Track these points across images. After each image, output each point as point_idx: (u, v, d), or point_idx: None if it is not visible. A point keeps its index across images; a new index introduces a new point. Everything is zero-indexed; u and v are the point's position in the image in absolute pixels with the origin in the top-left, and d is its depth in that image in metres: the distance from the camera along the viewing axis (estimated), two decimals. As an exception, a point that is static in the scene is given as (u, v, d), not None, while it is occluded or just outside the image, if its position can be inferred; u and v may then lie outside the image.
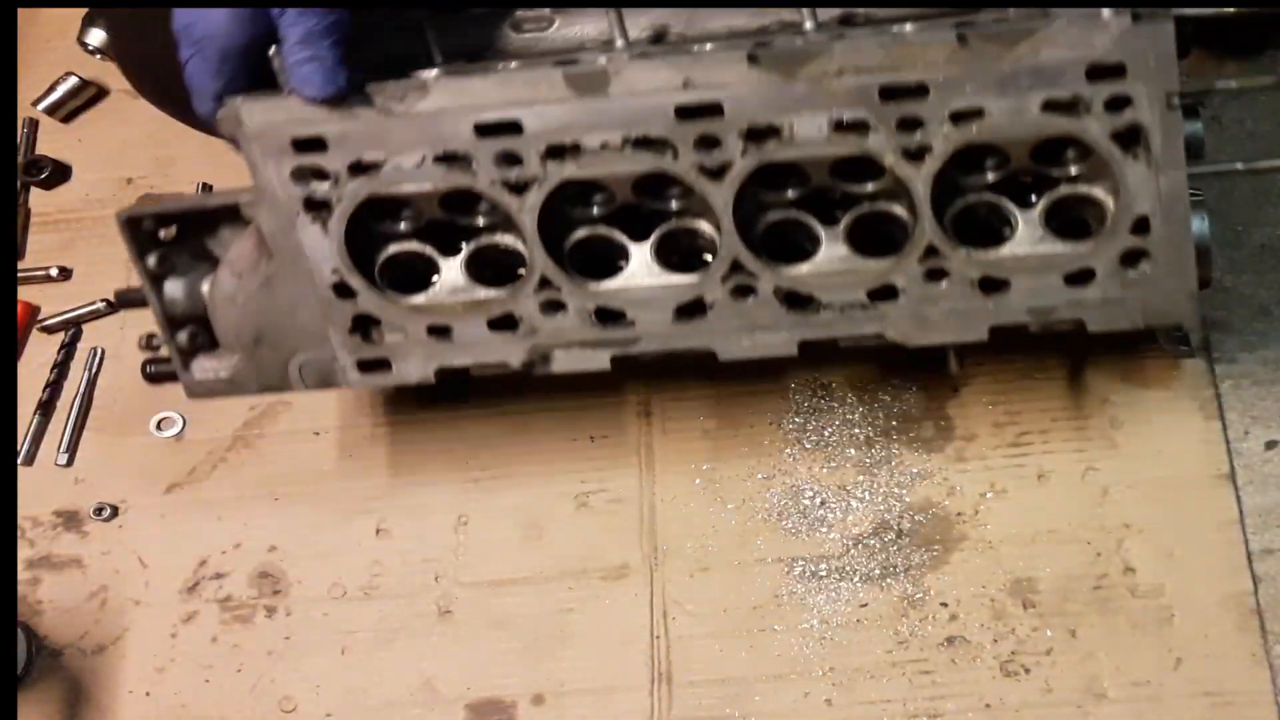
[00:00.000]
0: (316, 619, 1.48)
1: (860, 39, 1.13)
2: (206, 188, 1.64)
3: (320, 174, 1.19)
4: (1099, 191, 1.17)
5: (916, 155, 1.14)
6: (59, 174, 1.72)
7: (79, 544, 1.54)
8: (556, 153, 1.16)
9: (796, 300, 1.20)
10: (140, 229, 1.26)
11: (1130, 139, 1.11)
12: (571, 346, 1.23)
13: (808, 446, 1.48)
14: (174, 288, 1.29)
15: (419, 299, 1.24)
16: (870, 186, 1.19)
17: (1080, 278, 1.17)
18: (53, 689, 1.48)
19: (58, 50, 1.76)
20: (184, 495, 1.55)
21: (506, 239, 1.24)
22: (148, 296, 1.28)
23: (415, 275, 1.26)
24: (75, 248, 1.69)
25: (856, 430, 1.48)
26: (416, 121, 1.17)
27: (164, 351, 1.32)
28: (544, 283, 1.21)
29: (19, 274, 1.66)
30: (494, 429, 1.53)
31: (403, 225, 1.24)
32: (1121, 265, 1.15)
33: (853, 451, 1.47)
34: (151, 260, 1.27)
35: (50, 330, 1.65)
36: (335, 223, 1.20)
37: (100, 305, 1.64)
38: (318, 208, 1.20)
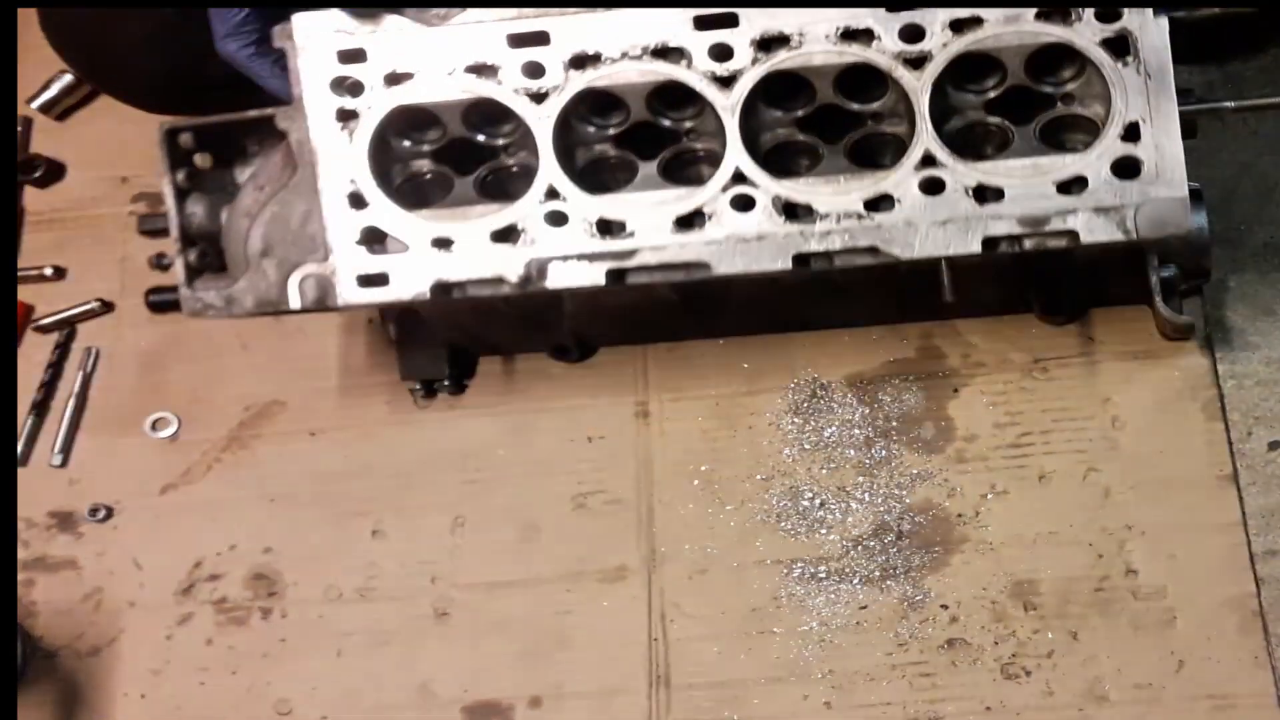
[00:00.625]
0: (312, 621, 1.47)
1: None
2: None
3: (357, 86, 1.26)
4: (1093, 111, 1.22)
5: (917, 63, 1.20)
6: (53, 172, 1.71)
7: (74, 545, 1.53)
8: (579, 62, 1.23)
9: (794, 211, 1.23)
10: (176, 143, 1.31)
11: (1120, 47, 1.19)
12: (569, 260, 1.25)
13: (807, 447, 1.47)
14: (196, 204, 1.32)
15: (428, 211, 1.28)
16: (873, 105, 1.25)
17: (1073, 185, 1.21)
18: (47, 691, 1.47)
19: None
20: (179, 496, 1.54)
21: (522, 156, 1.29)
22: (169, 208, 1.31)
23: (427, 201, 1.30)
24: (70, 247, 1.67)
25: (856, 430, 1.47)
26: (454, 33, 1.25)
27: (170, 279, 1.33)
28: (551, 193, 1.25)
29: (12, 273, 1.65)
30: (491, 429, 1.52)
31: (424, 146, 1.30)
32: (1114, 174, 1.19)
33: (853, 452, 1.47)
34: (180, 175, 1.31)
35: (45, 330, 1.64)
36: (362, 132, 1.26)
37: (95, 305, 1.63)
38: (349, 118, 1.26)
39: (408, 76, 1.26)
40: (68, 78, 1.71)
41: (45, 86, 1.72)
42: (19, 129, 1.73)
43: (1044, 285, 1.43)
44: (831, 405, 1.49)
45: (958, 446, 1.45)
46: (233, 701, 1.45)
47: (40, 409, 1.60)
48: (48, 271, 1.66)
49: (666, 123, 1.28)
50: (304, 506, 1.51)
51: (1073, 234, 1.20)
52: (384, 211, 1.27)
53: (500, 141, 1.30)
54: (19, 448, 1.57)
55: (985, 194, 1.21)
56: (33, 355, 1.62)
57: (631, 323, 1.49)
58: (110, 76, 1.57)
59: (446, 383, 1.51)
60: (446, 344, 1.50)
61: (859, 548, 1.42)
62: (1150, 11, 1.19)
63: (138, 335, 1.62)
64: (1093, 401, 1.45)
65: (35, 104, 1.72)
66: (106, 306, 1.64)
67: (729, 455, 1.48)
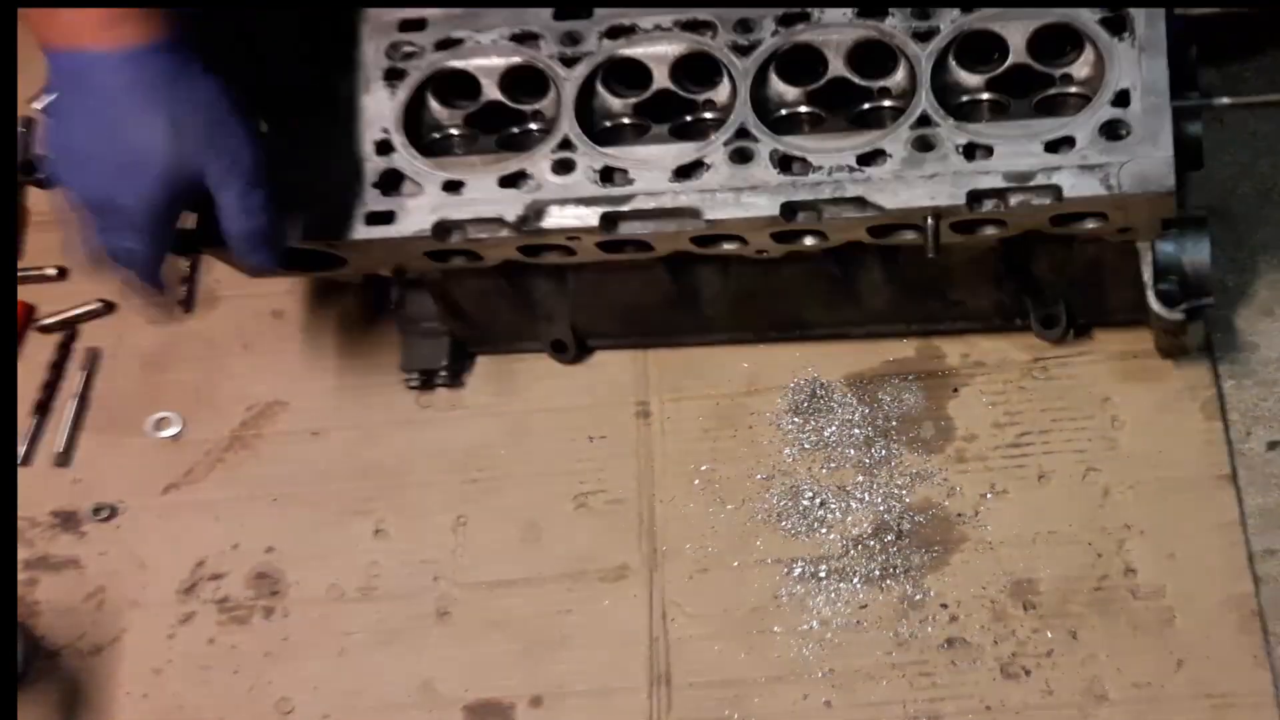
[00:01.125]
0: (314, 620, 1.47)
1: None
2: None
3: (410, 52, 1.35)
4: (1090, 89, 1.26)
5: (926, 37, 1.28)
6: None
7: (76, 544, 1.54)
8: (614, 33, 1.32)
9: (789, 165, 1.28)
10: None
11: (1117, 24, 1.25)
12: (567, 204, 1.30)
13: (807, 446, 1.48)
14: None
15: (448, 159, 1.35)
16: (881, 81, 1.30)
17: (1061, 145, 1.24)
18: (50, 690, 1.47)
19: (54, 49, 1.76)
20: (182, 496, 1.55)
21: (548, 121, 1.34)
22: None
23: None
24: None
25: (856, 430, 1.48)
26: (507, 8, 1.34)
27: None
28: (563, 144, 1.31)
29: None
30: (492, 429, 1.52)
31: (460, 110, 1.37)
32: (1102, 135, 1.23)
33: (852, 451, 1.47)
34: None
35: (47, 330, 1.64)
36: (404, 89, 1.35)
37: (97, 305, 1.64)
38: (396, 76, 1.35)
39: (458, 43, 1.34)
40: (70, 78, 1.71)
41: (48, 87, 1.72)
42: (21, 130, 1.73)
43: (1041, 297, 1.43)
44: (831, 405, 1.49)
45: (957, 446, 1.45)
46: (235, 700, 1.45)
47: (43, 409, 1.60)
48: (50, 272, 1.66)
49: (685, 94, 1.34)
50: (306, 506, 1.52)
51: (1056, 189, 1.22)
52: (405, 158, 1.33)
53: (531, 108, 1.36)
54: (22, 447, 1.58)
55: (974, 152, 1.25)
56: (35, 355, 1.63)
57: (632, 319, 1.50)
58: None
59: (444, 374, 1.52)
60: (448, 335, 1.51)
61: (859, 547, 1.43)
62: None
63: (140, 335, 1.62)
64: (1092, 401, 1.45)
65: (38, 105, 1.72)
66: (109, 307, 1.64)
67: (729, 455, 1.48)
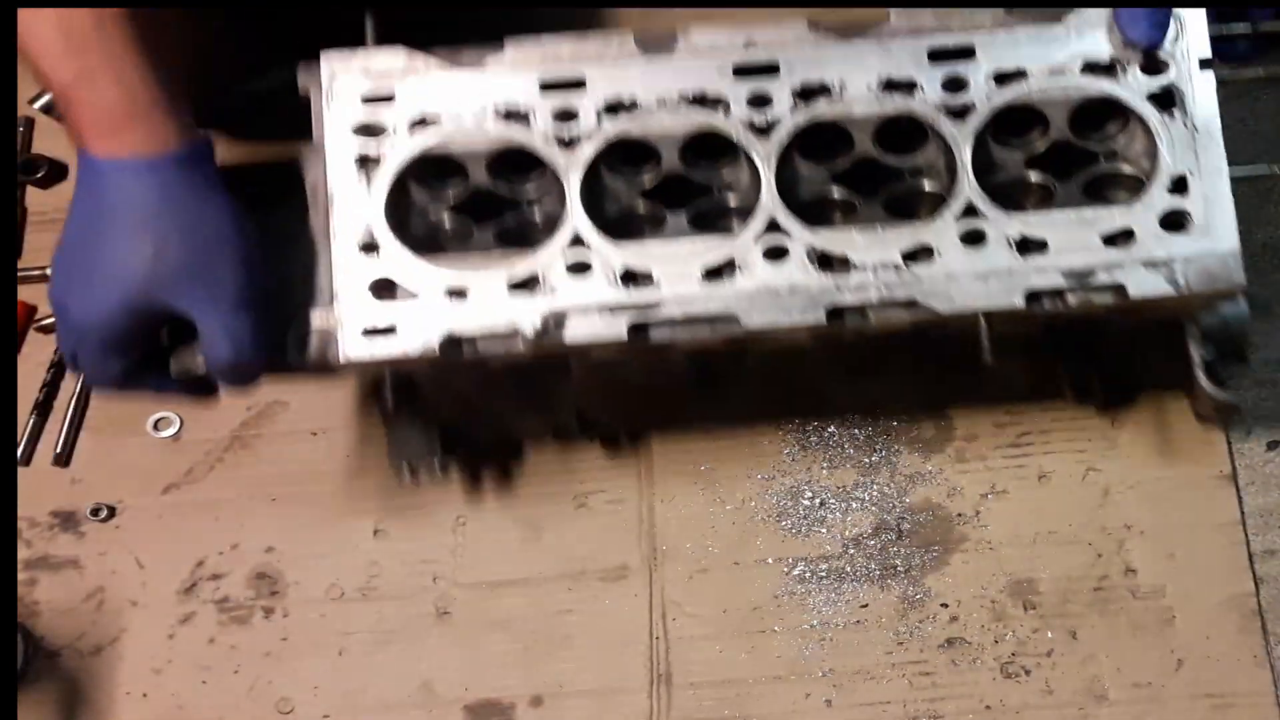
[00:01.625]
0: (314, 620, 1.47)
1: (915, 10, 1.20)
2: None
3: (380, 130, 1.20)
4: (1138, 168, 1.20)
5: (960, 114, 1.18)
6: (56, 173, 1.71)
7: (76, 544, 1.53)
8: (614, 109, 1.20)
9: (829, 262, 1.18)
10: None
11: (1166, 100, 1.18)
12: (589, 312, 1.18)
13: (807, 447, 1.48)
14: None
15: (444, 258, 1.21)
16: (912, 160, 1.21)
17: (1119, 239, 1.17)
18: (49, 690, 1.47)
19: (54, 49, 1.76)
20: (181, 496, 1.54)
21: (547, 206, 1.22)
22: None
23: (443, 250, 1.23)
24: (72, 247, 1.67)
25: (856, 430, 1.48)
26: (486, 76, 1.20)
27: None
28: (575, 241, 1.19)
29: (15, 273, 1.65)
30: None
31: (446, 195, 1.23)
32: (1162, 228, 1.17)
33: (852, 451, 1.47)
34: None
35: (47, 330, 1.64)
36: (381, 177, 1.20)
37: (97, 305, 1.63)
38: (369, 163, 1.20)
39: (434, 121, 1.20)
40: (70, 78, 1.71)
41: (47, 87, 1.72)
42: (21, 129, 1.73)
43: (1077, 367, 1.40)
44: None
45: (957, 446, 1.46)
46: (234, 700, 1.45)
47: (42, 409, 1.60)
48: (50, 272, 1.66)
49: (699, 176, 1.22)
50: (306, 506, 1.51)
51: (1120, 288, 1.16)
52: (397, 260, 1.19)
53: (525, 192, 1.24)
54: (21, 447, 1.58)
55: (1028, 246, 1.17)
56: (35, 355, 1.62)
57: (640, 403, 1.45)
58: None
59: (437, 465, 1.42)
60: (441, 425, 1.41)
61: (859, 547, 1.43)
62: (1197, 64, 1.18)
63: (140, 335, 1.62)
64: (1092, 401, 1.45)
65: (38, 105, 1.72)
66: (109, 306, 1.64)
67: (730, 455, 1.48)
